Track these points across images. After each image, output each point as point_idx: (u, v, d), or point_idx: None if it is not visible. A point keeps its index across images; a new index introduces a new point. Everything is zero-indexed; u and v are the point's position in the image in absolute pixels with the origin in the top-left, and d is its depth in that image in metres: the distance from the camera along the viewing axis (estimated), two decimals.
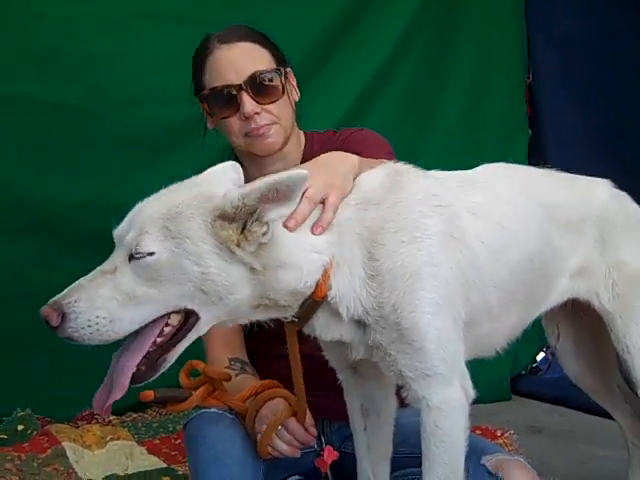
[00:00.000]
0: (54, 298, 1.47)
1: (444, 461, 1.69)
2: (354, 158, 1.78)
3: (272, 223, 1.52)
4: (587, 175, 2.11)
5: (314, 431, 1.98)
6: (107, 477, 2.52)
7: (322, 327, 1.68)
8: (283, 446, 1.96)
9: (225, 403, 2.02)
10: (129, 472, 2.60)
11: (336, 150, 1.86)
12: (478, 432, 2.83)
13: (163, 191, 1.61)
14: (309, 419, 1.96)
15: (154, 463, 2.68)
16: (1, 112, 3.24)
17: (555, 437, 3.37)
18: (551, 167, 2.07)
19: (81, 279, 1.50)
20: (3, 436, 3.00)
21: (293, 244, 1.57)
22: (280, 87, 2.13)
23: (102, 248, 3.41)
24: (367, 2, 3.80)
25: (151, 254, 1.47)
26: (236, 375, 2.10)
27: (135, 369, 1.52)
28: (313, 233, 1.60)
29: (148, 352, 1.52)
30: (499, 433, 2.82)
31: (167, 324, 1.53)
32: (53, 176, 3.30)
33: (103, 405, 1.54)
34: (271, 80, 2.11)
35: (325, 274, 1.60)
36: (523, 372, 4.23)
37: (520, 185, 1.93)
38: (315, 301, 1.62)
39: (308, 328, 1.70)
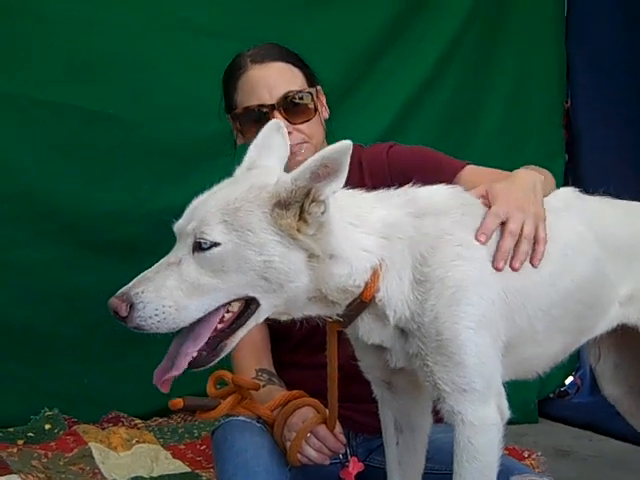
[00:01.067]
0: (121, 290, 1.52)
1: (475, 478, 1.67)
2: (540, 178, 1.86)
3: (327, 201, 1.54)
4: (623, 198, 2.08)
5: (343, 439, 1.98)
6: (132, 478, 2.52)
7: (365, 330, 1.68)
8: (313, 453, 1.96)
9: (253, 412, 2.03)
10: (154, 475, 2.61)
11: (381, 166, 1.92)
12: (505, 452, 2.78)
13: (216, 187, 1.64)
14: (338, 427, 1.96)
15: (179, 467, 2.68)
16: (37, 118, 3.28)
17: (583, 462, 3.32)
18: (588, 192, 2.03)
19: (146, 271, 1.54)
20: (30, 434, 3.03)
21: (343, 236, 1.59)
22: (312, 107, 2.16)
23: (129, 255, 3.51)
24: (410, 17, 3.80)
25: (216, 245, 1.51)
26: (263, 386, 2.10)
27: (196, 354, 1.56)
28: (478, 240, 1.67)
29: (209, 338, 1.56)
30: (526, 454, 2.78)
31: (228, 311, 1.56)
32: (85, 184, 3.35)
33: (160, 379, 1.58)
34: (303, 100, 2.14)
35: (374, 275, 1.62)
36: (551, 395, 4.19)
37: (582, 214, 1.91)
38: (363, 302, 1.63)
39: (351, 329, 1.71)
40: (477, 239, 1.67)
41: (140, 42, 3.38)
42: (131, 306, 1.49)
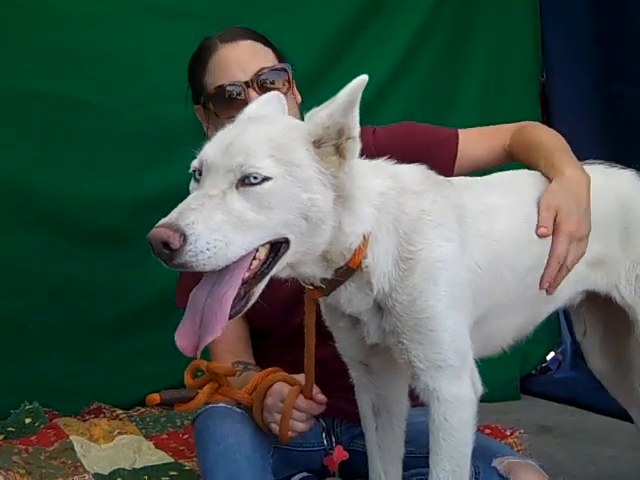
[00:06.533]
0: (166, 219, 1.39)
1: (451, 455, 1.68)
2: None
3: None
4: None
5: (323, 398, 1.96)
6: (114, 471, 2.49)
7: (346, 299, 1.67)
8: (301, 425, 1.96)
9: (232, 398, 2.02)
10: (137, 466, 2.58)
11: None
12: (487, 431, 2.80)
13: (243, 125, 1.58)
14: (315, 388, 1.94)
15: (162, 458, 2.65)
16: (17, 107, 3.25)
17: (565, 437, 3.35)
18: None
19: (186, 201, 1.43)
20: (11, 429, 2.99)
21: (359, 182, 1.60)
22: (287, 83, 2.12)
23: (112, 243, 3.46)
24: (381, 1, 3.78)
25: (267, 179, 1.45)
26: (239, 374, 2.09)
27: (230, 306, 1.47)
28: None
29: (239, 287, 1.48)
30: (509, 432, 2.78)
31: (255, 258, 1.50)
32: (66, 171, 3.31)
33: (195, 346, 1.48)
34: (277, 76, 2.10)
35: (364, 242, 1.61)
36: (533, 372, 4.21)
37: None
38: (349, 268, 1.62)
39: (332, 298, 1.70)
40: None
41: (115, 30, 3.35)
42: (184, 238, 1.38)
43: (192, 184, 1.54)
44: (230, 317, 1.48)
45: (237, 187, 1.46)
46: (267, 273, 1.53)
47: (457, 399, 1.67)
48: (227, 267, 1.45)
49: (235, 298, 1.48)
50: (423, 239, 1.65)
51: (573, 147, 2.01)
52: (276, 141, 1.50)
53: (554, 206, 1.80)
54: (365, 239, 1.62)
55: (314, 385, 1.94)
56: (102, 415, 3.14)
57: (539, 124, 2.20)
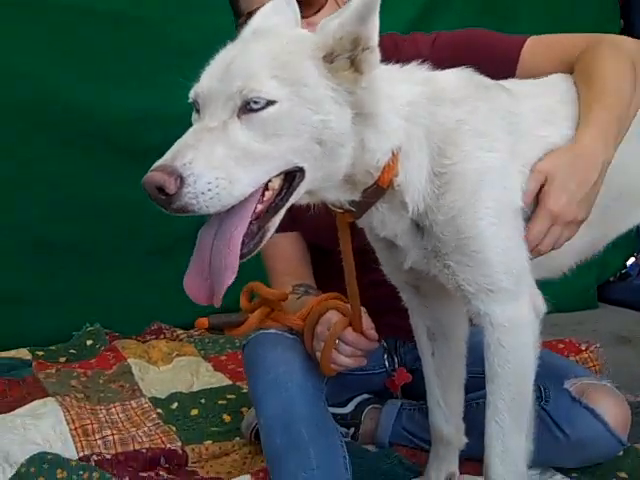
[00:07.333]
0: (160, 162, 1.25)
1: (509, 382, 1.55)
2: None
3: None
4: None
5: (374, 334, 1.80)
6: (171, 395, 2.45)
7: (379, 221, 1.53)
8: (347, 360, 1.80)
9: (283, 323, 1.90)
10: (194, 389, 2.53)
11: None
12: (561, 346, 2.66)
13: (243, 42, 1.42)
14: (367, 322, 1.79)
15: (219, 380, 2.60)
16: (57, 21, 3.12)
17: None
18: None
19: (183, 138, 1.29)
20: (72, 351, 2.99)
21: (384, 95, 1.42)
22: None
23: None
24: None
25: (271, 103, 1.29)
26: (298, 298, 1.97)
27: (240, 244, 1.32)
28: None
29: (250, 222, 1.34)
30: (584, 347, 2.61)
31: (267, 188, 1.34)
32: (108, 86, 3.18)
33: (208, 295, 1.33)
34: None
35: (394, 158, 1.45)
36: (611, 279, 4.02)
37: None
38: (379, 187, 1.46)
39: (364, 221, 1.55)
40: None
41: None
42: (180, 180, 1.24)
43: (194, 116, 1.38)
44: (242, 257, 1.33)
45: (239, 116, 1.30)
46: (283, 205, 1.37)
47: (512, 322, 1.53)
48: (234, 206, 1.30)
49: (247, 235, 1.34)
50: (459, 151, 1.47)
51: None
52: (279, 59, 1.32)
53: (545, 172, 1.55)
54: (394, 155, 1.44)
55: (368, 320, 1.80)
56: (162, 336, 3.11)
57: (617, 43, 1.76)
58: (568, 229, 1.57)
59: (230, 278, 1.32)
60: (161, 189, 1.23)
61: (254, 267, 1.98)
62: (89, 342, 3.02)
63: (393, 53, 1.99)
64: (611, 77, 1.66)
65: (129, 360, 2.74)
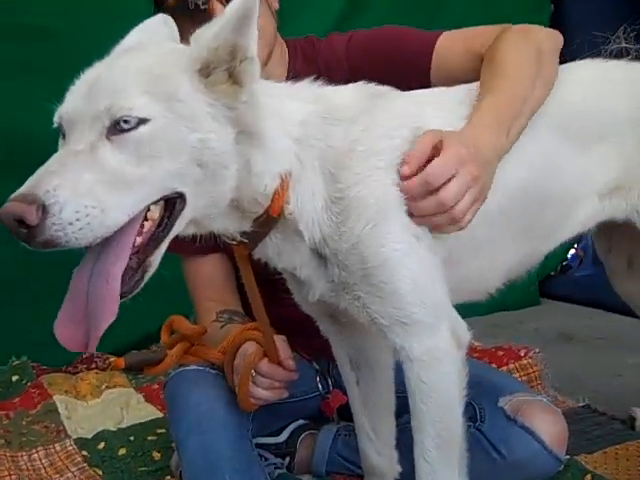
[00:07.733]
0: (21, 190, 1.12)
1: (433, 419, 1.46)
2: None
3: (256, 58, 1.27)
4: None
5: (291, 364, 1.72)
6: (98, 433, 2.34)
7: (275, 253, 1.43)
8: (265, 393, 1.72)
9: (204, 358, 1.82)
10: (122, 426, 2.42)
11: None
12: (500, 353, 2.62)
13: (111, 59, 1.32)
14: (284, 352, 1.71)
15: (150, 413, 2.49)
16: None
17: (586, 345, 3.16)
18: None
19: (45, 166, 1.17)
20: None
21: (268, 111, 1.33)
22: None
23: None
24: None
25: (144, 122, 1.19)
26: (222, 327, 1.88)
27: (120, 282, 1.21)
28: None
29: (130, 257, 1.23)
30: (523, 353, 2.57)
31: (146, 219, 1.24)
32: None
33: (82, 342, 1.21)
34: None
35: (284, 184, 1.34)
36: (552, 273, 3.99)
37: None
38: (270, 217, 1.36)
39: (260, 253, 1.45)
40: (401, 174, 1.37)
41: None
42: (43, 209, 1.12)
43: (60, 142, 1.27)
44: (122, 296, 1.21)
45: (108, 137, 1.19)
46: (164, 237, 1.27)
47: (431, 356, 1.43)
48: (112, 235, 1.19)
49: (126, 272, 1.22)
50: (352, 174, 1.37)
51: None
52: (150, 73, 1.22)
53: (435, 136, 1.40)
54: (284, 180, 1.34)
55: (285, 349, 1.72)
56: (94, 365, 2.97)
57: (525, 30, 1.69)
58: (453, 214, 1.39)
59: (108, 322, 1.20)
60: (21, 221, 1.11)
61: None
62: (15, 378, 2.87)
63: (312, 56, 1.94)
64: (511, 61, 1.59)
65: (55, 397, 2.61)
